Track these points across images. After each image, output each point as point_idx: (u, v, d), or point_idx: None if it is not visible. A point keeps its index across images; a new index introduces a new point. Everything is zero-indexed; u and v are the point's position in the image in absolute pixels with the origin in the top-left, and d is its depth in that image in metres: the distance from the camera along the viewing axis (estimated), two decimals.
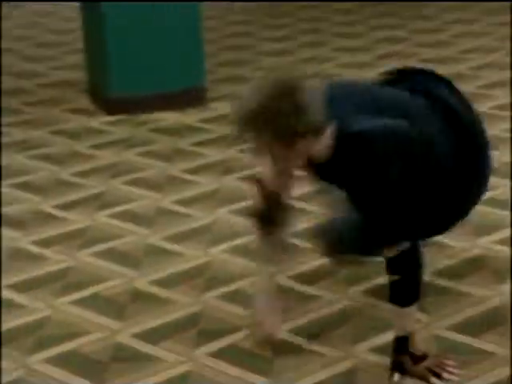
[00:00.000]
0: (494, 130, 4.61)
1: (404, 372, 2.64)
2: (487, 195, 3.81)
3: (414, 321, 2.66)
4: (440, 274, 3.21)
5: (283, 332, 2.87)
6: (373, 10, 7.37)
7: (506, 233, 3.48)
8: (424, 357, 2.64)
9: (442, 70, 5.70)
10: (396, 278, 2.58)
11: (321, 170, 2.74)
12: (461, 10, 7.33)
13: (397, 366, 2.64)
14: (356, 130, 2.58)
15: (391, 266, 2.59)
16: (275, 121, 2.51)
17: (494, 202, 3.75)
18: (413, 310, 2.62)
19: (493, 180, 3.96)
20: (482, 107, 4.97)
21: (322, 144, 2.63)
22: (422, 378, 2.63)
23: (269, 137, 2.53)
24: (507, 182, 3.96)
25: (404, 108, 2.73)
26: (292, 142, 2.55)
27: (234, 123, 2.58)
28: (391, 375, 2.63)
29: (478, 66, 5.77)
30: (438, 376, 2.62)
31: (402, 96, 2.79)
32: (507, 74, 5.58)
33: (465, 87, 5.34)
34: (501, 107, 4.95)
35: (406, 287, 2.59)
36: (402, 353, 2.64)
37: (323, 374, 2.64)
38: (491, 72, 5.63)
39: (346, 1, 7.76)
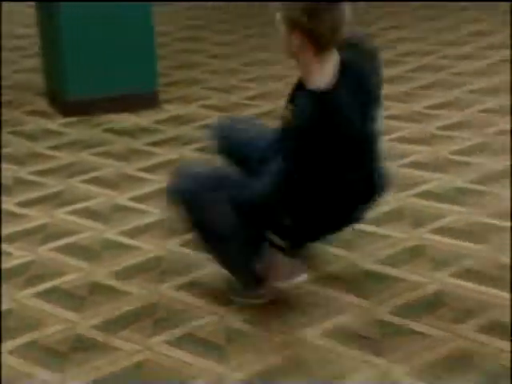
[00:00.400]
0: (429, 127, 4.67)
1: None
2: (423, 188, 3.86)
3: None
4: (381, 262, 3.25)
5: (237, 321, 2.89)
6: None
7: (441, 223, 3.54)
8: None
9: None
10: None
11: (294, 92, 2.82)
12: (396, 17, 7.39)
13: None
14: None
15: None
16: (291, 4, 2.65)
17: (430, 195, 3.81)
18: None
19: (427, 174, 4.02)
20: (417, 106, 5.03)
21: (312, 68, 2.70)
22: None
23: (280, 14, 2.70)
24: (440, 175, 4.02)
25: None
26: (290, 31, 2.68)
27: None
28: None
29: (413, 69, 5.83)
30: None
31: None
32: (442, 75, 5.65)
33: (401, 88, 5.39)
34: (435, 107, 5.01)
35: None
36: None
37: (272, 359, 2.66)
38: (426, 74, 5.69)
39: None
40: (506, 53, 6.03)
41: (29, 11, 7.43)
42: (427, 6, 7.72)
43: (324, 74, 2.71)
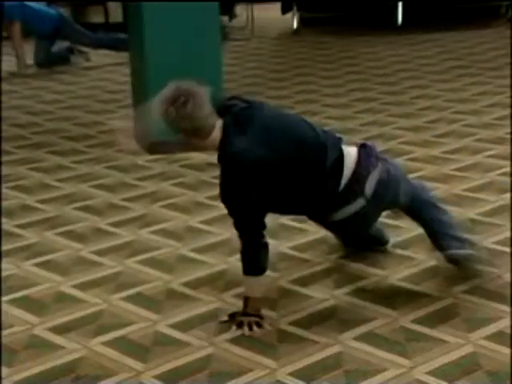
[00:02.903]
0: None
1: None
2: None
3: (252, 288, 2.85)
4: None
5: None
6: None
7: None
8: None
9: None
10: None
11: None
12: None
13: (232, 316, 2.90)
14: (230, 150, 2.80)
15: None
16: (179, 122, 2.80)
17: None
18: (252, 280, 2.81)
19: None
20: None
21: (210, 143, 2.86)
22: (238, 324, 2.85)
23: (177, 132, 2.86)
24: None
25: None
26: (186, 137, 2.85)
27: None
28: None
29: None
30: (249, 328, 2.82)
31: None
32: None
33: None
34: None
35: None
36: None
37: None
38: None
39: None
40: None
41: (122, 70, 7.44)
42: None
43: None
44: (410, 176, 4.40)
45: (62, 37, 7.96)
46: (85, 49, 8.12)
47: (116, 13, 9.16)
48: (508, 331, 2.79)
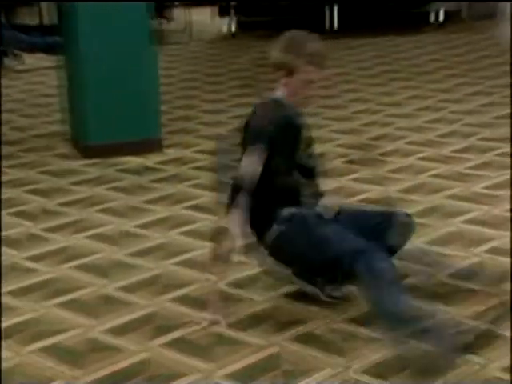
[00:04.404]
0: None
1: None
2: None
3: None
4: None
5: None
6: None
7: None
8: None
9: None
10: None
11: None
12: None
13: None
14: None
15: None
16: None
17: None
18: None
19: None
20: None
21: None
22: None
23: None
24: None
25: None
26: None
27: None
28: None
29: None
30: None
31: None
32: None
33: None
34: None
35: None
36: None
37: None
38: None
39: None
40: None
41: (57, 73, 7.34)
42: None
43: None
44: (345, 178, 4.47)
45: None
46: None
47: (50, 14, 9.03)
48: None
